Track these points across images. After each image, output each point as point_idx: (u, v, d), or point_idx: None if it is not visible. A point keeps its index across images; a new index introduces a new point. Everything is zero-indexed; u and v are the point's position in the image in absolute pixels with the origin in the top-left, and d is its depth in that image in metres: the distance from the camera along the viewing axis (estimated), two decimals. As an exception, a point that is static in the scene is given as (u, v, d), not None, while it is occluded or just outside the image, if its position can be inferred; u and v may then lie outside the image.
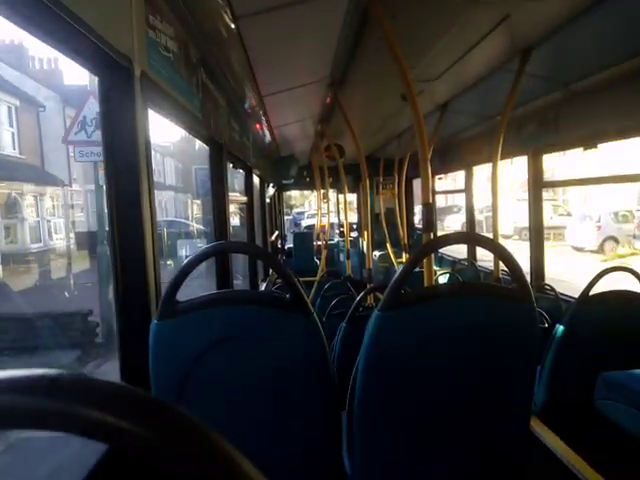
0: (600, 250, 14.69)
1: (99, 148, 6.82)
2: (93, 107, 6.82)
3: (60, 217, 15.44)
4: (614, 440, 2.04)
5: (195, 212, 25.66)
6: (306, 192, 29.89)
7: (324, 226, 7.82)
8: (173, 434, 0.25)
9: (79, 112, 7.04)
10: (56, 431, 0.26)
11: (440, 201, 21.80)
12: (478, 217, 15.06)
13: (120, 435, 0.25)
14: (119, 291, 1.46)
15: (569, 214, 17.84)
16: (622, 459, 2.03)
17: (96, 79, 1.42)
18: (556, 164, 15.75)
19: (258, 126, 4.51)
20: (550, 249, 15.44)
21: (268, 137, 5.25)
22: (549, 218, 17.36)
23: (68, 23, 1.07)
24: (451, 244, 1.62)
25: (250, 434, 1.32)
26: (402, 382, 1.32)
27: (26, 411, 0.25)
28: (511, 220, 16.13)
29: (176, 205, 28.73)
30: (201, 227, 18.62)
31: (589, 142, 3.35)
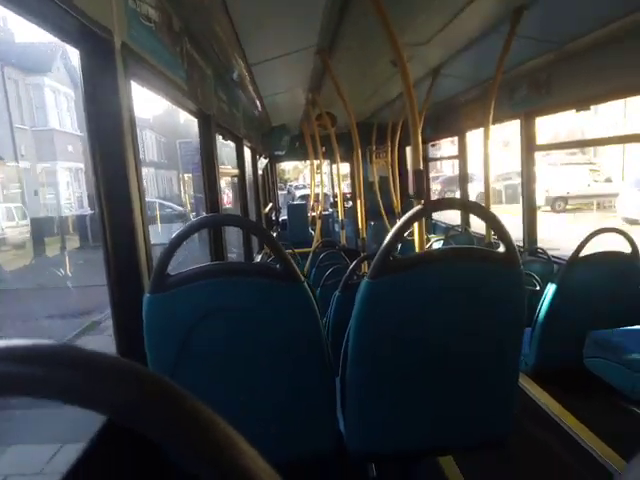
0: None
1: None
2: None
3: (5, 202, 13.14)
4: (601, 395, 2.12)
5: (181, 191, 23.51)
6: (300, 166, 29.41)
7: (317, 196, 7.78)
8: (165, 406, 0.26)
9: None
10: (55, 400, 0.27)
11: (448, 170, 20.88)
12: (496, 186, 13.92)
13: (119, 407, 0.26)
14: (110, 267, 1.47)
15: (608, 180, 15.33)
16: (608, 412, 2.10)
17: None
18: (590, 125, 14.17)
19: (247, 96, 4.43)
20: (594, 222, 11.95)
21: (258, 107, 5.16)
22: (587, 185, 15.13)
23: None
24: (439, 210, 1.63)
25: (247, 402, 1.35)
26: (392, 346, 1.35)
27: (28, 379, 0.26)
28: (542, 188, 13.09)
29: (158, 184, 26.27)
30: (189, 210, 16.89)
31: (582, 104, 3.31)
